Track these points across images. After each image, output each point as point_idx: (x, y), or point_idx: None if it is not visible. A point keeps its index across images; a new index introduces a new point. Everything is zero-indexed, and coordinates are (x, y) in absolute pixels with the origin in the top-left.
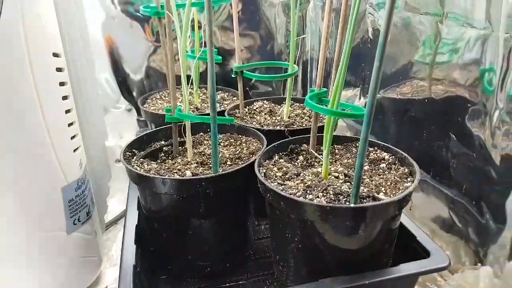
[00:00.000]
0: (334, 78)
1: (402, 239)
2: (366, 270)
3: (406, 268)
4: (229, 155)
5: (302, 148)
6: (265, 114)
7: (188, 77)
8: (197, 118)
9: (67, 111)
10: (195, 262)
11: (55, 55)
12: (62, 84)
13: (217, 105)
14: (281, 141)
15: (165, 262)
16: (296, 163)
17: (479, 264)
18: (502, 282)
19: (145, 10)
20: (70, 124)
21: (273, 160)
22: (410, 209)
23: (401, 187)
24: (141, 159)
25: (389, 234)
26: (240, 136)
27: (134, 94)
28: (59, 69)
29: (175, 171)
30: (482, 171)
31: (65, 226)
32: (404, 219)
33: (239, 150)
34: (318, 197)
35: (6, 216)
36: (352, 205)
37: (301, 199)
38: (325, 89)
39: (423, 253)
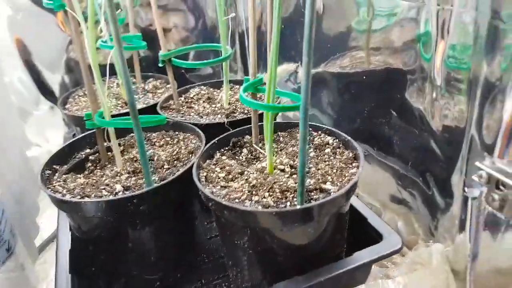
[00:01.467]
0: (268, 61)
1: (354, 222)
2: (321, 265)
3: (360, 257)
4: (166, 157)
5: (245, 140)
6: (203, 102)
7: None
8: (119, 124)
9: None
10: (141, 277)
11: None
12: None
13: (150, 95)
14: (221, 136)
15: (108, 284)
16: (240, 157)
17: (431, 241)
18: (453, 255)
19: (47, 2)
20: None
21: (214, 159)
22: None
23: (346, 174)
24: (64, 175)
25: (340, 224)
26: (176, 133)
27: (56, 92)
28: None
29: (102, 187)
30: (425, 146)
31: None
32: (354, 200)
33: (177, 149)
34: (264, 197)
35: None
36: (298, 206)
37: (244, 207)
38: (260, 76)
39: (376, 236)
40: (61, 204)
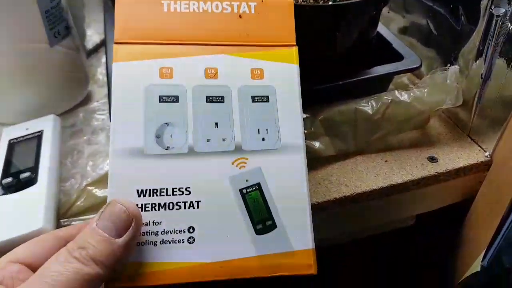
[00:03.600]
0: None
1: (379, 47)
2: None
3: (381, 69)
4: None
5: None
6: None
7: None
8: None
9: None
10: None
11: None
12: None
13: None
14: None
15: None
16: None
17: (449, 65)
18: (467, 81)
19: None
20: None
21: None
22: (388, 12)
23: None
24: None
25: (366, 38)
26: None
27: None
28: None
29: None
30: None
31: (47, 39)
32: (382, 29)
33: None
34: (297, 2)
35: None
36: (330, 3)
37: None
38: None
39: (397, 58)
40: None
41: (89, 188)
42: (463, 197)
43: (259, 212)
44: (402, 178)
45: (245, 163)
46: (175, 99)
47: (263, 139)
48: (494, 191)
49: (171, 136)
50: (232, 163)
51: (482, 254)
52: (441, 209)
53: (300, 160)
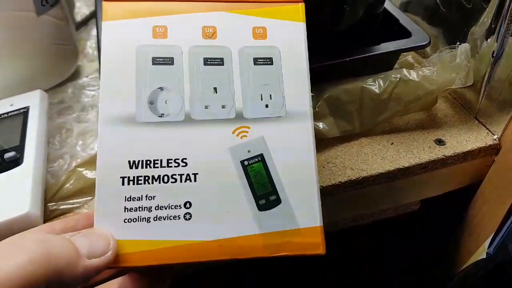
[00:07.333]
0: None
1: (386, 23)
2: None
3: (388, 46)
4: None
5: None
6: None
7: None
8: None
9: None
10: None
11: None
12: None
13: None
14: None
15: None
16: None
17: (458, 43)
18: (477, 60)
19: None
20: None
21: None
22: None
23: None
24: None
25: (373, 13)
26: None
27: None
28: None
29: None
30: None
31: (34, 6)
32: (388, 5)
33: None
34: None
35: None
36: None
37: None
38: None
39: (405, 34)
40: None
41: (79, 169)
42: (470, 181)
43: (262, 186)
44: (409, 162)
45: (247, 132)
46: (170, 61)
47: (267, 105)
48: (502, 176)
49: (165, 102)
50: (233, 132)
51: (488, 241)
52: (446, 194)
53: (307, 129)
